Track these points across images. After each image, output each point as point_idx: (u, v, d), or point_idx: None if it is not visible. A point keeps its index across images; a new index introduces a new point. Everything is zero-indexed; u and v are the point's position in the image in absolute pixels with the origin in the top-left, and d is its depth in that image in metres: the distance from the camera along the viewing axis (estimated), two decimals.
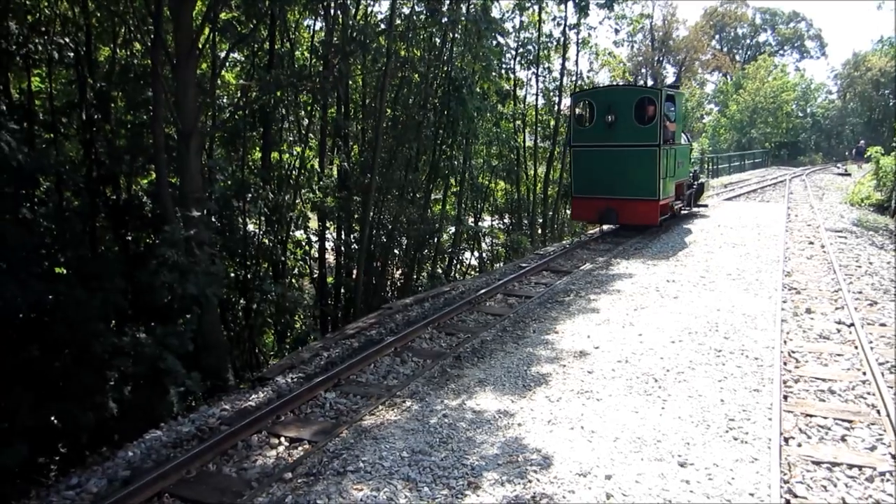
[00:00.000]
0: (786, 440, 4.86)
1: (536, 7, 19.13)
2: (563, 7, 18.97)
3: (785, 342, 6.88)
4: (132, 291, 9.64)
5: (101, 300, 8.41)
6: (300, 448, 5.00)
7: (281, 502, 4.06)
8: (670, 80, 42.93)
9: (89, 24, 11.84)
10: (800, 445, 4.79)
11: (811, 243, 12.65)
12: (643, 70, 44.62)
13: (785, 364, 6.28)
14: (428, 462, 4.48)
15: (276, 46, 13.86)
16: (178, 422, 6.07)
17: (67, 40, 11.42)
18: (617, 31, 21.05)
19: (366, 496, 4.09)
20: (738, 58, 54.50)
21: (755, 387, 5.61)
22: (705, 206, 17.59)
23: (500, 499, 4.04)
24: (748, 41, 56.59)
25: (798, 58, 59.12)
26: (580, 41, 20.63)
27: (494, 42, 14.73)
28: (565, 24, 19.45)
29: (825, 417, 5.19)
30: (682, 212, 15.66)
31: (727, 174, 33.55)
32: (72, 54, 11.41)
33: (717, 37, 53.42)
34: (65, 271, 9.54)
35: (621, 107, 12.88)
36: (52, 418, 8.26)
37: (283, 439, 5.19)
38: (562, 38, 19.77)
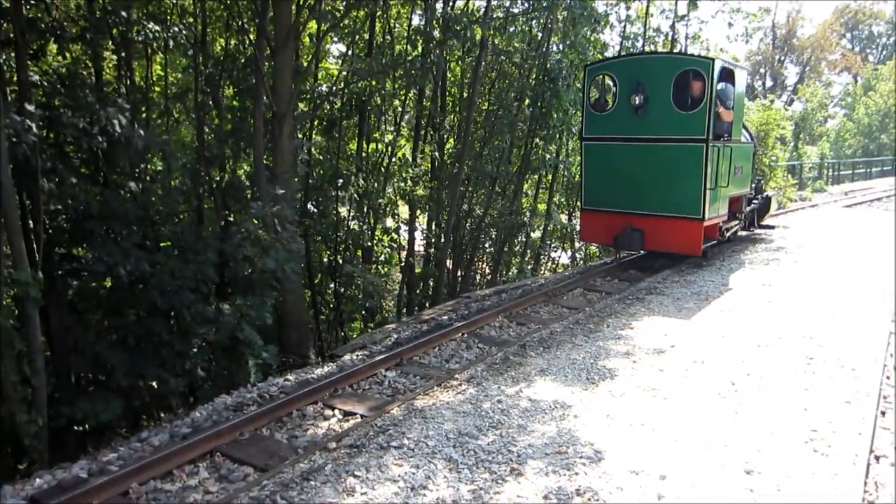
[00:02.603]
0: (876, 458, 4.35)
1: (645, 0, 18.38)
2: None
3: (892, 355, 6.20)
4: (224, 266, 10.12)
5: (193, 272, 8.86)
6: (352, 421, 5.01)
7: (321, 469, 4.06)
8: (791, 80, 40.17)
9: (205, 14, 12.49)
10: (893, 466, 4.26)
11: None
12: (762, 70, 41.98)
13: (888, 378, 5.65)
14: (473, 445, 4.35)
15: (375, 39, 14.14)
16: (247, 389, 6.29)
17: (183, 30, 12.08)
18: (731, 25, 19.72)
19: (404, 472, 4.01)
20: (871, 58, 50.04)
21: (847, 398, 5.06)
22: (772, 227, 13.61)
23: (542, 488, 3.84)
24: (884, 40, 51.71)
25: None
26: (690, 35, 19.63)
27: (590, 31, 14.24)
28: (674, 17, 18.57)
29: None
30: (740, 233, 12.29)
31: (850, 181, 30.99)
32: (187, 43, 12.05)
33: (847, 35, 49.23)
34: (165, 243, 10.16)
35: (654, 83, 9.29)
36: (150, 382, 8.82)
37: (337, 412, 5.22)
38: (670, 33, 18.89)
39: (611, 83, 10.33)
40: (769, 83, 42.55)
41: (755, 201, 12.59)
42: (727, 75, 9.81)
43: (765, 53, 42.66)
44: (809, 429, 4.56)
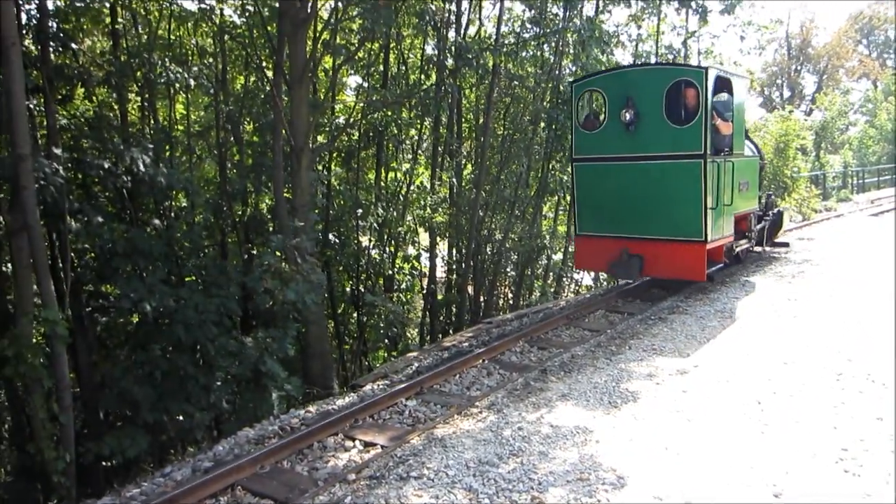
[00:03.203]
0: None
1: (655, 19, 18.44)
2: (681, 15, 18.16)
3: None
4: (248, 299, 10.24)
5: (216, 305, 8.98)
6: (372, 452, 5.00)
7: (340, 502, 4.06)
8: (810, 90, 39.70)
9: (224, 53, 12.82)
10: None
11: None
12: (779, 81, 41.69)
13: None
14: (494, 473, 4.31)
15: (390, 70, 14.37)
16: (269, 422, 6.32)
17: (205, 70, 12.40)
18: (742, 39, 19.57)
19: (424, 503, 3.99)
20: (889, 63, 49.35)
21: (879, 415, 4.92)
22: (786, 245, 12.82)
23: None
24: None
25: None
26: (702, 51, 19.61)
27: (600, 52, 14.29)
28: (686, 34, 18.58)
29: None
30: (753, 251, 11.58)
31: (876, 188, 30.45)
32: (208, 82, 12.35)
33: (864, 41, 48.59)
34: (190, 278, 10.33)
35: (644, 97, 8.63)
36: (176, 416, 8.90)
37: (357, 442, 5.22)
38: (682, 49, 18.89)
39: (600, 99, 9.64)
40: (787, 94, 42.22)
41: (766, 218, 11.69)
42: (724, 84, 9.12)
43: (780, 64, 42.35)
44: (840, 448, 4.44)
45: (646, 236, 8.86)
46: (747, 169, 10.05)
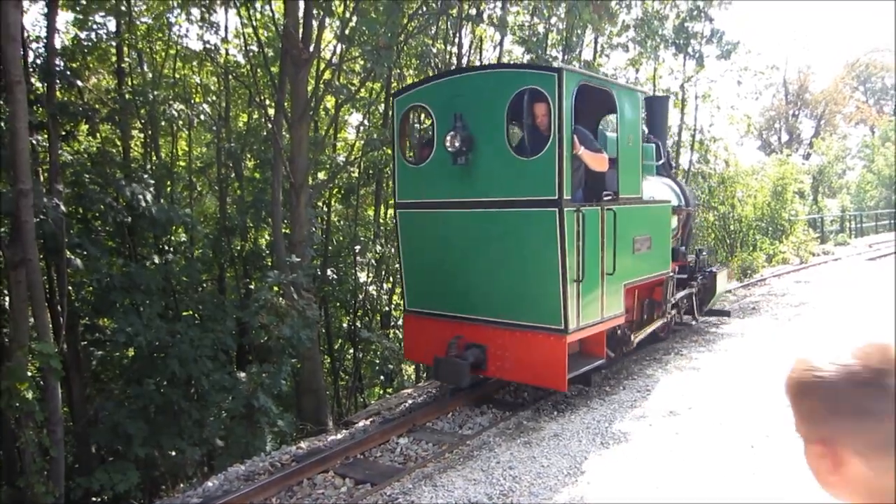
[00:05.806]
0: None
1: (653, 63, 18.85)
2: (678, 60, 18.56)
3: None
4: (242, 333, 10.27)
5: (211, 340, 9.01)
6: (361, 489, 4.97)
7: None
8: (808, 134, 40.15)
9: (228, 91, 13.08)
10: None
11: None
12: (777, 125, 42.28)
13: None
14: None
15: (390, 108, 14.62)
16: (260, 458, 6.29)
17: (207, 107, 12.65)
18: (739, 83, 20.04)
19: None
20: (886, 109, 50.14)
21: None
22: (726, 314, 10.41)
23: None
24: None
25: None
26: (699, 95, 19.98)
27: None
28: (683, 78, 18.97)
29: None
30: (681, 324, 9.35)
31: (874, 233, 30.64)
32: (210, 119, 12.57)
33: (860, 88, 49.41)
34: (187, 313, 10.37)
35: (480, 114, 6.00)
36: (168, 451, 8.84)
37: (347, 480, 5.19)
38: (680, 93, 19.26)
39: (430, 120, 6.96)
40: (785, 138, 42.80)
41: (694, 282, 9.06)
42: (600, 98, 6.62)
43: (778, 109, 42.98)
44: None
45: (488, 318, 6.24)
46: (651, 219, 7.29)
